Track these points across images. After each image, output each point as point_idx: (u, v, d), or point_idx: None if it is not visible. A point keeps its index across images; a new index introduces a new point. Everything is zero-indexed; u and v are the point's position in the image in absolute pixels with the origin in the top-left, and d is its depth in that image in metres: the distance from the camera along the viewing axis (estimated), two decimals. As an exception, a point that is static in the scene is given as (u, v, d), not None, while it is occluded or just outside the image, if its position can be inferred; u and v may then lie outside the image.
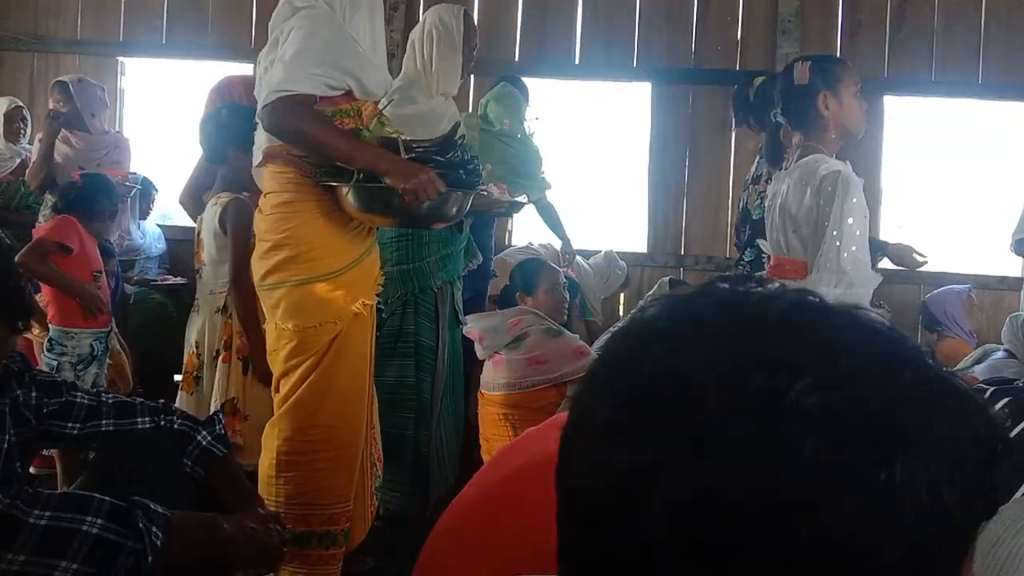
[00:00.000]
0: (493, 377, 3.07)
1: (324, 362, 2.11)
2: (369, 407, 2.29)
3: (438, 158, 2.08)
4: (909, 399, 0.43)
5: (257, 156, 2.22)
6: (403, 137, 2.12)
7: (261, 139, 2.18)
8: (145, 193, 4.48)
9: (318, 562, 2.15)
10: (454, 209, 2.16)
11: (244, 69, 4.84)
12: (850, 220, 2.15)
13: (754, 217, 3.17)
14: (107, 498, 1.21)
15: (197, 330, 2.83)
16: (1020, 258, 3.42)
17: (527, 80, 4.24)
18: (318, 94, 2.02)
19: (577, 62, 4.93)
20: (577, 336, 3.26)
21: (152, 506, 1.24)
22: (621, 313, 4.84)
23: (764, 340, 0.44)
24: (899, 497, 0.42)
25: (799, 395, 0.42)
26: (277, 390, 2.19)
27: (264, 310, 2.25)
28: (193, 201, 3.75)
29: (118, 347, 3.39)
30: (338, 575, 2.22)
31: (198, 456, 1.58)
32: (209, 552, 1.32)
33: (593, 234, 4.95)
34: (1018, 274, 4.44)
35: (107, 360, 3.12)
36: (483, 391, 3.11)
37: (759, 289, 0.49)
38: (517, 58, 4.87)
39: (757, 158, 3.23)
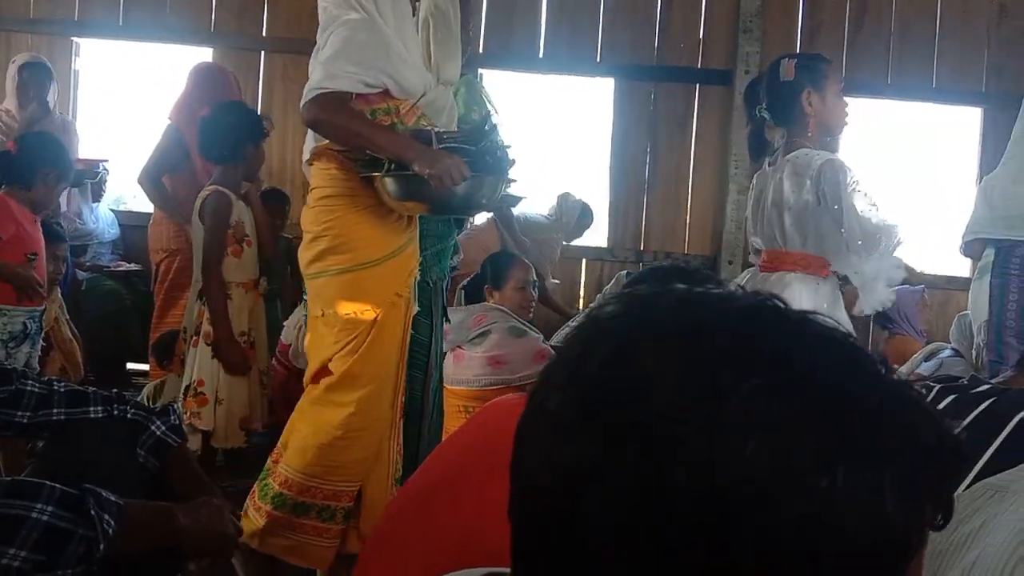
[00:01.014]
0: (453, 372, 3.06)
1: (361, 349, 2.20)
2: (399, 398, 2.34)
3: (468, 147, 2.15)
4: (857, 407, 0.43)
5: (305, 154, 2.35)
6: (436, 129, 2.21)
7: (310, 138, 2.31)
8: (90, 172, 4.37)
9: (312, 532, 2.21)
10: (486, 195, 2.24)
11: (203, 53, 4.78)
12: (856, 196, 2.22)
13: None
14: (58, 486, 1.18)
15: (185, 315, 2.97)
16: (968, 259, 3.50)
17: (490, 73, 4.23)
18: (354, 91, 2.14)
19: (541, 56, 4.94)
20: (541, 337, 3.24)
21: (104, 494, 1.22)
22: (581, 306, 4.86)
23: (714, 342, 0.44)
24: (839, 503, 0.41)
25: (744, 396, 0.42)
26: (327, 372, 2.25)
27: (310, 298, 2.34)
28: (152, 183, 3.70)
29: (69, 334, 3.33)
30: (332, 552, 2.24)
31: (152, 446, 1.55)
32: (163, 541, 1.30)
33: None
34: (966, 274, 4.55)
35: (41, 341, 3.06)
36: (445, 384, 3.11)
37: (717, 291, 0.50)
38: (481, 50, 4.86)
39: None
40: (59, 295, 3.38)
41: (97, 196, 4.53)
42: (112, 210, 4.74)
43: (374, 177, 2.16)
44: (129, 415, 1.56)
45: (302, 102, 2.16)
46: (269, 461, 2.31)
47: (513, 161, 2.28)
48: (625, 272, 4.40)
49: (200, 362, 2.77)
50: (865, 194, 2.25)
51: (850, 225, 2.22)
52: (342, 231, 2.21)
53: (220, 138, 2.90)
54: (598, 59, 4.95)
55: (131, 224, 4.63)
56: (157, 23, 4.83)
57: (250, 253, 2.93)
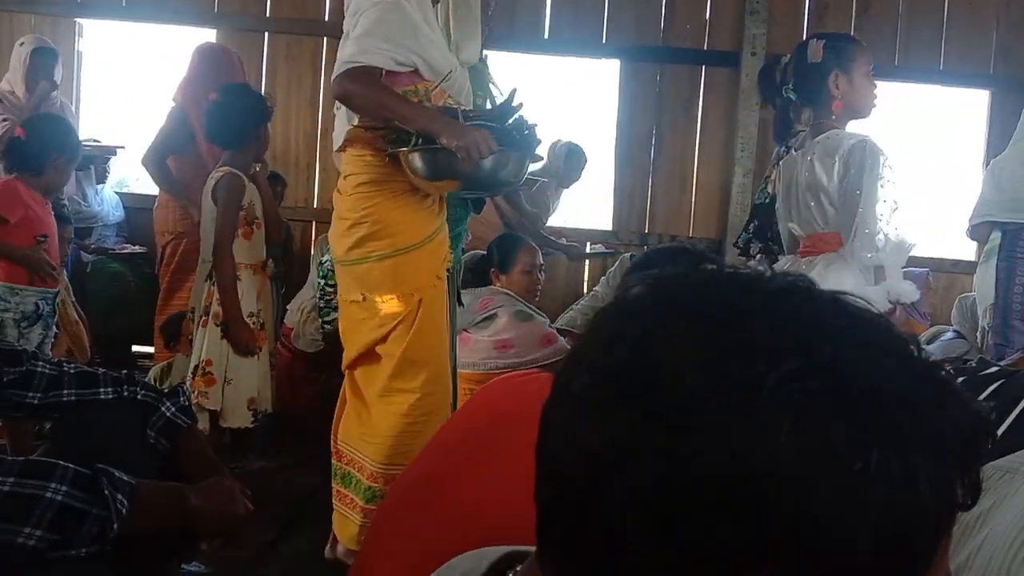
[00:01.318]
0: (460, 355, 3.06)
1: (411, 332, 2.23)
2: (451, 379, 2.39)
3: (494, 125, 2.16)
4: (890, 389, 0.43)
5: (337, 141, 2.35)
6: (463, 107, 2.24)
7: (342, 125, 2.32)
8: (101, 158, 4.37)
9: (350, 506, 2.28)
10: (513, 172, 2.24)
11: (207, 34, 4.76)
12: (881, 187, 2.18)
13: (756, 202, 3.11)
14: (71, 465, 1.19)
15: (194, 295, 2.98)
16: (975, 242, 3.49)
17: (494, 54, 4.18)
18: (384, 67, 2.16)
19: (546, 37, 4.91)
20: (547, 322, 3.23)
21: (117, 474, 1.22)
22: (585, 290, 4.86)
23: (745, 325, 0.44)
24: (873, 486, 0.42)
25: (778, 381, 0.42)
26: (373, 359, 2.28)
27: (345, 284, 2.36)
28: (157, 165, 3.70)
29: (75, 317, 3.33)
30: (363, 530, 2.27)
31: (162, 427, 1.55)
32: (175, 521, 1.31)
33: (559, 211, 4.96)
34: (971, 258, 4.54)
35: (55, 323, 3.07)
36: None
37: (746, 272, 0.49)
38: (486, 31, 4.82)
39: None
40: (65, 277, 3.39)
41: (101, 178, 4.53)
42: (117, 192, 4.73)
43: (401, 154, 2.16)
44: (139, 396, 1.56)
45: (333, 76, 2.18)
46: (334, 459, 2.36)
47: (539, 140, 2.28)
48: (630, 255, 4.39)
49: (209, 342, 2.79)
50: (891, 183, 2.21)
51: (863, 217, 2.19)
52: (381, 217, 2.23)
53: (229, 122, 2.90)
54: (603, 40, 4.92)
55: (136, 207, 4.63)
56: (161, 4, 4.81)
57: (259, 235, 2.95)
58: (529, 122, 2.24)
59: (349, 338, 2.33)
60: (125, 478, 1.23)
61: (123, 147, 4.30)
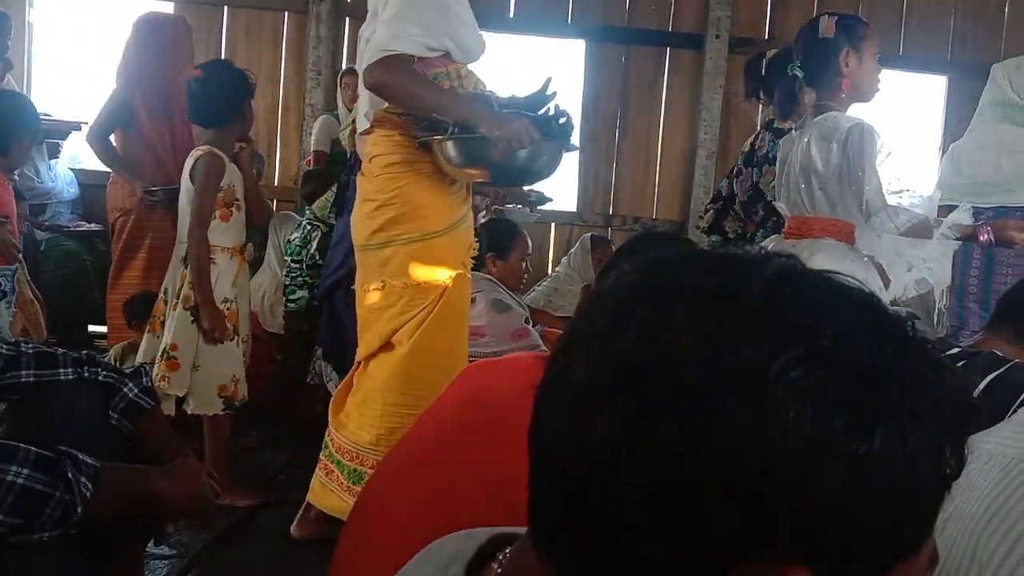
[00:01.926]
0: None
1: (430, 319, 2.18)
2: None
3: (529, 114, 2.11)
4: (890, 372, 0.44)
5: (362, 122, 2.29)
6: (495, 94, 2.19)
7: (365, 105, 2.25)
8: (59, 133, 4.25)
9: (336, 482, 2.26)
10: (548, 163, 2.19)
11: (164, 7, 4.64)
12: (880, 166, 2.19)
13: (769, 198, 3.03)
14: (33, 448, 1.16)
15: (168, 276, 2.88)
16: (931, 226, 3.57)
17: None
18: (416, 54, 2.10)
19: (512, 16, 4.88)
20: (523, 316, 3.21)
21: (81, 457, 1.20)
22: (550, 270, 4.87)
23: (747, 312, 0.44)
24: (878, 469, 0.42)
25: (782, 369, 0.42)
26: (390, 346, 2.22)
27: (366, 270, 2.29)
28: (101, 141, 3.60)
29: (30, 295, 3.25)
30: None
31: (124, 408, 1.52)
32: (140, 503, 1.29)
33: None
34: (927, 241, 4.63)
35: (14, 302, 2.99)
36: None
37: (741, 253, 0.49)
38: (451, 9, 4.78)
39: (763, 133, 3.16)
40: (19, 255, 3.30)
41: (54, 153, 4.41)
42: (71, 169, 4.60)
43: (432, 142, 2.11)
44: (100, 377, 1.53)
45: (365, 64, 2.11)
46: (327, 438, 2.31)
47: (573, 128, 2.24)
48: (590, 235, 4.39)
49: (177, 326, 2.70)
50: (889, 162, 2.22)
51: (872, 196, 2.18)
52: (411, 199, 2.17)
53: (211, 100, 2.79)
54: (569, 20, 4.90)
55: (91, 183, 4.51)
56: (115, -26, 4.68)
57: (239, 218, 2.85)
58: (563, 110, 2.20)
59: (368, 328, 2.26)
60: (89, 460, 1.21)
61: (85, 122, 4.17)
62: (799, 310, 0.45)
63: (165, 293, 2.84)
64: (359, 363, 2.31)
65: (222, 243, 2.78)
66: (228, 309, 2.76)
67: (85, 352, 1.60)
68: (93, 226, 4.39)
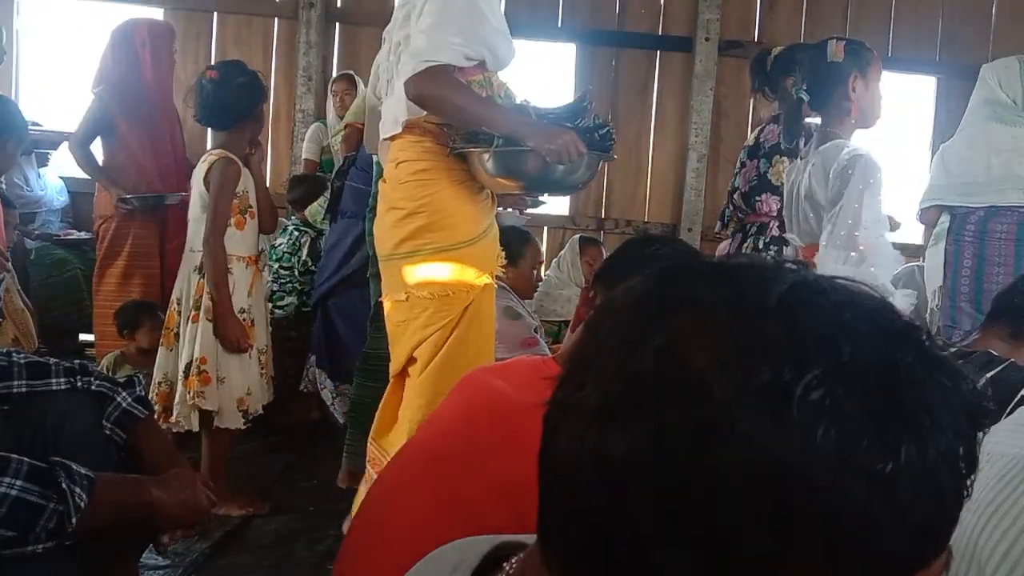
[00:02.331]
0: None
1: (457, 330, 2.13)
2: None
3: (569, 125, 2.10)
4: (908, 384, 0.44)
5: (389, 127, 2.23)
6: (532, 104, 2.16)
7: (396, 110, 2.19)
8: (47, 143, 4.23)
9: None
10: (587, 173, 2.18)
11: (153, 14, 4.63)
12: (866, 200, 2.12)
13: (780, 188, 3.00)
14: (26, 459, 1.15)
15: (178, 285, 2.77)
16: (923, 226, 3.58)
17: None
18: (457, 64, 2.06)
19: (502, 20, 4.87)
20: (533, 325, 3.17)
21: (75, 467, 1.19)
22: (543, 275, 4.85)
23: (767, 327, 0.44)
24: (902, 482, 0.42)
25: (805, 389, 0.42)
26: (412, 361, 2.17)
27: (392, 281, 2.22)
28: (82, 150, 3.60)
29: (20, 304, 3.23)
30: None
31: (118, 418, 1.51)
32: (135, 514, 1.28)
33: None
34: (919, 242, 4.65)
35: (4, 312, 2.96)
36: None
37: (749, 264, 0.49)
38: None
39: (770, 125, 3.15)
40: (9, 264, 3.28)
41: (42, 162, 4.39)
42: (61, 177, 4.58)
43: (469, 152, 2.09)
44: (93, 387, 1.51)
45: (407, 75, 2.06)
46: (368, 464, 2.27)
47: (614, 140, 2.22)
48: (579, 237, 4.38)
49: (203, 339, 2.60)
50: (879, 193, 2.16)
51: (838, 226, 2.13)
52: (441, 207, 2.12)
53: (228, 102, 2.69)
54: (560, 24, 4.91)
55: (81, 191, 4.49)
56: (103, -19, 4.66)
57: (253, 225, 2.75)
58: (601, 121, 2.19)
59: (395, 342, 2.22)
60: (83, 471, 1.20)
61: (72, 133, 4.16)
62: (816, 324, 0.44)
63: (178, 304, 2.74)
64: (393, 380, 2.25)
65: (237, 252, 2.69)
66: (244, 320, 2.67)
67: (78, 362, 1.59)
68: (83, 234, 4.37)
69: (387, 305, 2.25)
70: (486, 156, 2.07)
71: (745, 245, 3.18)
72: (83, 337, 4.37)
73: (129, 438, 1.51)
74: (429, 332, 2.13)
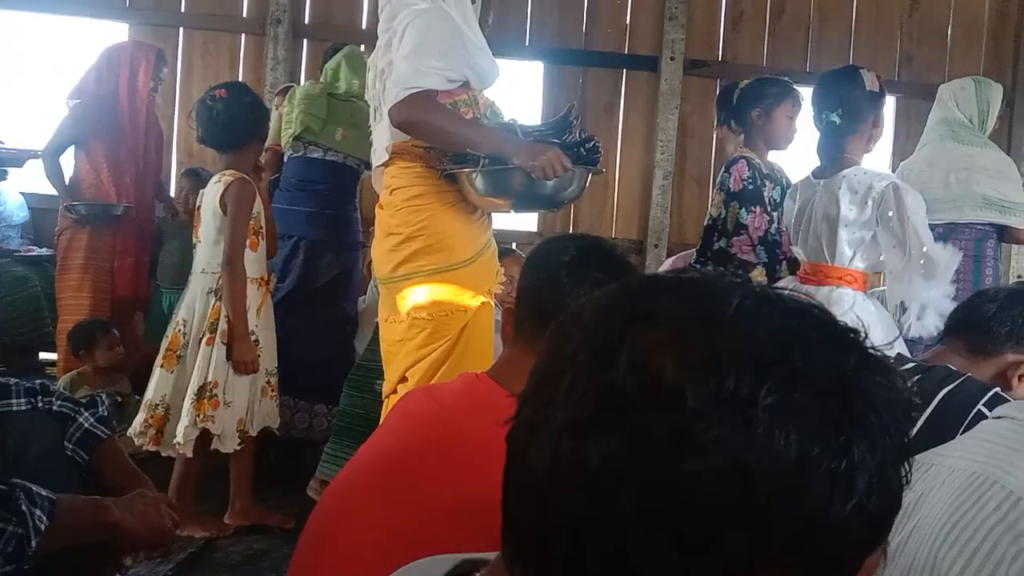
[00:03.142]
0: None
1: (455, 350, 2.14)
2: None
3: (555, 140, 2.14)
4: (856, 386, 0.47)
5: (380, 154, 2.27)
6: (519, 122, 2.20)
7: (384, 137, 2.23)
8: (13, 161, 4.17)
9: None
10: (577, 188, 2.20)
11: (118, 29, 4.59)
12: (917, 218, 2.31)
13: (706, 223, 3.05)
14: (-15, 483, 1.13)
15: (186, 307, 2.68)
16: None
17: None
18: (439, 88, 2.10)
19: (469, 38, 4.90)
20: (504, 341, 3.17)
21: (35, 489, 1.17)
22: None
23: (729, 337, 0.47)
24: (857, 479, 0.45)
25: (767, 393, 0.45)
26: (403, 380, 2.18)
27: (389, 303, 2.25)
28: (51, 159, 3.61)
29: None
30: None
31: (80, 438, 1.49)
32: (97, 535, 1.26)
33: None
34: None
35: None
36: None
37: (704, 277, 0.52)
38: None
39: (743, 162, 3.19)
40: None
41: (1, 176, 4.32)
42: (21, 193, 4.51)
43: (460, 174, 2.12)
44: (55, 407, 1.49)
45: (391, 103, 2.09)
46: None
47: (600, 154, 2.26)
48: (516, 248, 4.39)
49: (217, 362, 2.55)
50: (924, 226, 2.35)
51: (915, 250, 2.30)
52: (437, 229, 2.16)
53: (236, 123, 2.66)
54: (527, 42, 4.94)
55: (41, 207, 4.42)
56: (68, -4, 4.61)
57: (264, 247, 2.73)
58: (588, 135, 2.23)
59: (390, 361, 2.24)
60: (43, 493, 1.18)
61: (37, 152, 4.11)
62: (770, 332, 0.47)
63: (183, 325, 2.67)
64: (385, 400, 2.26)
65: (250, 273, 2.65)
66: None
67: (39, 382, 1.56)
68: (44, 251, 4.30)
69: (383, 326, 2.28)
70: (474, 176, 2.11)
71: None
72: (44, 356, 4.29)
73: (91, 459, 1.49)
74: (425, 352, 2.15)
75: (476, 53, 2.18)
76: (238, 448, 2.61)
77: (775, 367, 0.45)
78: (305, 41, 4.78)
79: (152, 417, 2.59)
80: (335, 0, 4.79)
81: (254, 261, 2.66)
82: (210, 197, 2.67)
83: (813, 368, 0.46)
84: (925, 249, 2.30)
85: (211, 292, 2.62)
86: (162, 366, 2.65)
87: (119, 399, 3.24)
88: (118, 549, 1.32)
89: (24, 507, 1.13)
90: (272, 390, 2.73)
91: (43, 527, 1.14)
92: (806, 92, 5.11)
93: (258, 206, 2.68)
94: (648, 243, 4.91)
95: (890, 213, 2.31)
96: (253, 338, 2.63)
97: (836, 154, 2.47)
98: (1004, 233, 3.21)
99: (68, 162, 3.70)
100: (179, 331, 2.66)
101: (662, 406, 0.45)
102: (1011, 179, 3.21)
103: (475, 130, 2.13)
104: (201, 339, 2.60)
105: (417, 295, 2.16)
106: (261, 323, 2.68)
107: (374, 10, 4.74)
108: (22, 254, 4.25)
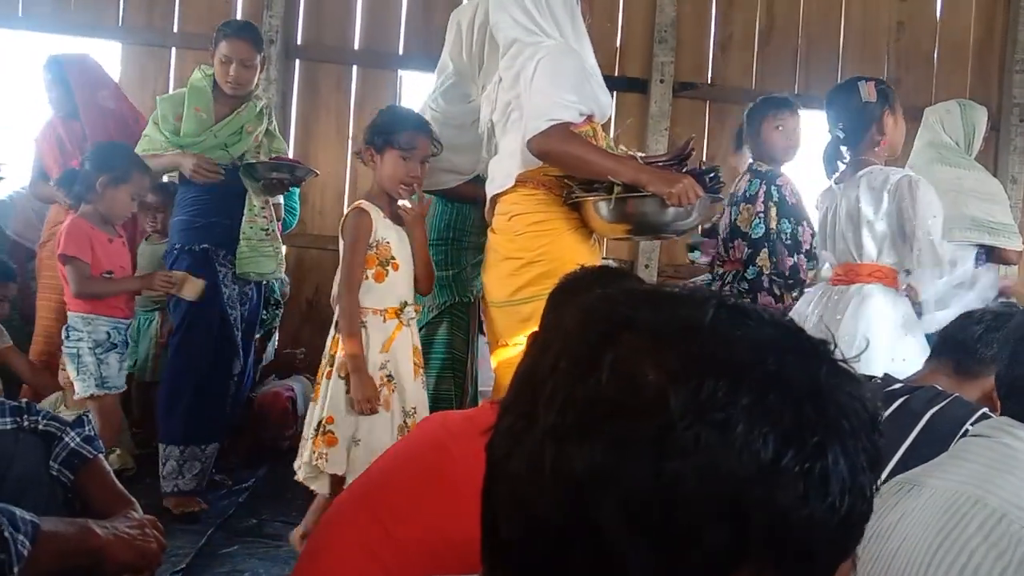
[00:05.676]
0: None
1: None
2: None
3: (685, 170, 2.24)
4: (826, 392, 0.49)
5: (500, 182, 2.35)
6: (639, 154, 2.33)
7: (508, 166, 2.32)
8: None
9: None
10: (696, 217, 2.30)
11: (110, 48, 4.60)
12: (932, 216, 2.37)
13: (753, 236, 3.06)
14: (-32, 505, 1.12)
15: (329, 338, 2.55)
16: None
17: (411, 75, 4.17)
18: (574, 121, 2.21)
19: (464, 59, 4.92)
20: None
21: (18, 513, 1.15)
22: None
23: (706, 344, 0.48)
24: (831, 480, 0.47)
25: (745, 398, 0.46)
26: None
27: (505, 326, 2.31)
28: (36, 189, 3.66)
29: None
30: None
31: (66, 459, 1.48)
32: (82, 558, 1.25)
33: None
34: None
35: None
36: None
37: (680, 289, 0.53)
38: (402, 52, 4.82)
39: (746, 174, 3.26)
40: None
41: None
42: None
43: (586, 201, 2.21)
44: (41, 426, 1.48)
45: (531, 134, 2.18)
46: None
47: (723, 183, 2.34)
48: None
49: (332, 397, 2.40)
50: (939, 223, 2.42)
51: (923, 247, 2.37)
52: (559, 254, 2.25)
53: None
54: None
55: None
56: (61, 15, 4.61)
57: (395, 277, 2.53)
58: (711, 164, 2.33)
59: (504, 382, 2.28)
60: (27, 516, 1.16)
61: (3, 163, 4.15)
62: (745, 340, 0.49)
63: (325, 357, 2.53)
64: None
65: (372, 304, 2.47)
66: (381, 376, 2.46)
67: (24, 400, 1.55)
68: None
69: (497, 349, 2.35)
70: (605, 203, 2.20)
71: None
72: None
73: (77, 479, 1.48)
74: None
75: (597, 87, 2.30)
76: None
77: (750, 370, 0.47)
78: (298, 61, 4.79)
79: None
80: (327, 21, 4.81)
81: (377, 292, 2.48)
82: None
83: (787, 373, 0.48)
84: (931, 238, 2.36)
85: (334, 324, 2.51)
86: (313, 399, 2.54)
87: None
88: (103, 571, 1.31)
89: (6, 533, 1.12)
90: (408, 431, 2.47)
91: (25, 553, 1.13)
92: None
93: (387, 235, 2.51)
94: (639, 264, 4.92)
95: (902, 204, 2.39)
96: (384, 373, 2.46)
97: (853, 159, 2.57)
98: (992, 254, 3.24)
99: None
100: (325, 361, 2.53)
101: (645, 410, 0.46)
102: (998, 200, 3.24)
103: (612, 159, 2.23)
104: (323, 372, 2.50)
105: (536, 317, 2.15)
106: (395, 356, 2.48)
107: (367, 31, 4.77)
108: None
